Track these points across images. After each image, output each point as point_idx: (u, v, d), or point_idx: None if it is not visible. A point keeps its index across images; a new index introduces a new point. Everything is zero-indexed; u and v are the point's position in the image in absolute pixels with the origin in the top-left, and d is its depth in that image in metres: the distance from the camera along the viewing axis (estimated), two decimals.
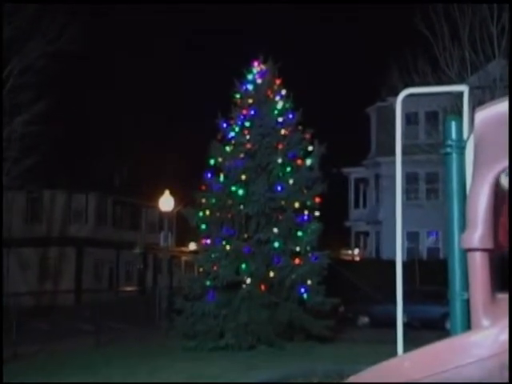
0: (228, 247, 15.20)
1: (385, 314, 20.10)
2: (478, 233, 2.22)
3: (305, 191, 15.90)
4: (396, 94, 3.64)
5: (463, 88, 3.12)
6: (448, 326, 2.88)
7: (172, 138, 50.47)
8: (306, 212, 15.72)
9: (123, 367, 12.23)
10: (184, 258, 49.74)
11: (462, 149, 2.78)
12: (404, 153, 3.68)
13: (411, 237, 31.82)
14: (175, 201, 24.88)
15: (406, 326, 3.18)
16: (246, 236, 15.53)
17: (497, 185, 2.27)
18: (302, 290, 15.14)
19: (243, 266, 15.08)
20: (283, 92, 16.41)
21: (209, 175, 16.02)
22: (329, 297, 15.38)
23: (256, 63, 16.52)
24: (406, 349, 2.53)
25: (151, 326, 20.61)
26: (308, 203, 15.81)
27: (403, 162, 3.52)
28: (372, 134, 36.72)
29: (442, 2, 21.92)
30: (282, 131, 16.09)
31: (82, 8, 23.63)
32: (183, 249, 49.18)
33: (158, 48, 58.24)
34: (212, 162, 16.07)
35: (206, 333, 14.91)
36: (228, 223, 15.66)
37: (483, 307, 2.19)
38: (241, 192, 15.51)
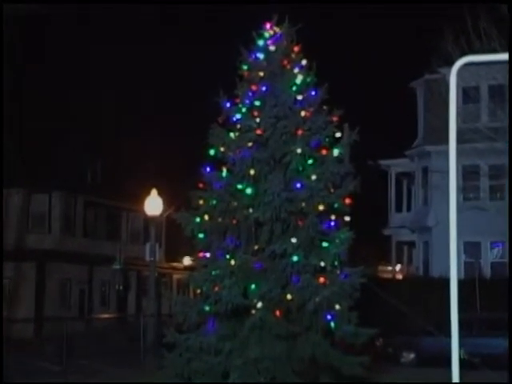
0: (233, 262, 15.23)
1: (435, 349, 20.13)
2: None
3: (331, 190, 15.90)
4: (450, 64, 3.65)
5: None
6: None
7: (160, 123, 50.65)
8: (332, 217, 15.73)
9: None
10: (176, 277, 49.98)
11: None
12: (460, 140, 3.71)
13: (470, 248, 31.78)
14: (164, 203, 25.00)
15: (463, 363, 3.20)
16: (255, 248, 15.56)
17: None
18: (329, 316, 15.15)
19: (252, 286, 15.11)
20: (303, 62, 16.40)
21: (208, 169, 16.05)
22: (363, 326, 15.38)
23: (268, 25, 16.55)
24: None
25: (134, 364, 20.72)
26: (336, 205, 15.81)
27: (459, 152, 3.55)
28: (419, 116, 36.70)
29: None
30: (302, 113, 16.09)
31: None
32: (175, 265, 49.47)
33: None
34: (212, 152, 16.10)
35: (206, 373, 14.96)
36: (233, 231, 15.69)
37: None
38: (249, 191, 15.54)
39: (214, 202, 15.86)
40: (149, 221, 25.89)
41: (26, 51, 34.84)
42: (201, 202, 16.00)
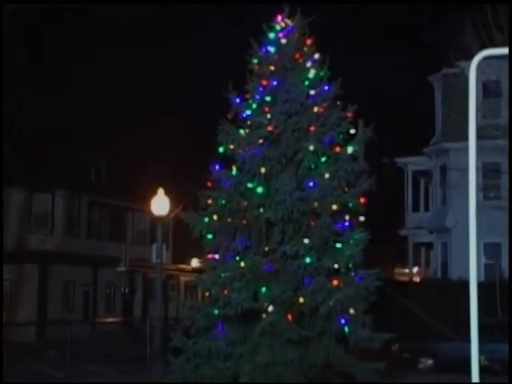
0: (243, 264, 15.25)
1: (454, 355, 20.09)
2: None
3: (345, 189, 15.90)
4: (470, 57, 3.65)
5: None
6: None
7: (167, 120, 50.69)
8: (347, 217, 15.73)
9: None
10: (184, 279, 50.03)
11: None
12: (480, 136, 3.71)
13: (491, 250, 31.65)
14: (172, 202, 25.02)
15: (483, 370, 3.20)
16: (266, 249, 15.57)
17: None
18: (343, 321, 15.15)
19: (263, 289, 15.13)
20: (316, 56, 16.41)
21: (217, 168, 16.07)
22: (378, 331, 15.37)
23: (279, 18, 16.56)
24: None
25: (140, 369, 20.75)
26: (350, 205, 15.81)
27: (479, 149, 3.55)
28: (437, 112, 36.61)
29: None
30: (315, 108, 16.09)
31: None
32: (182, 266, 49.53)
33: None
34: (221, 150, 16.13)
35: (214, 378, 15.00)
36: (243, 232, 15.71)
37: None
38: (260, 190, 15.56)
39: (224, 201, 15.88)
40: (155, 221, 25.92)
41: (27, 49, 35.14)
42: (209, 201, 16.02)
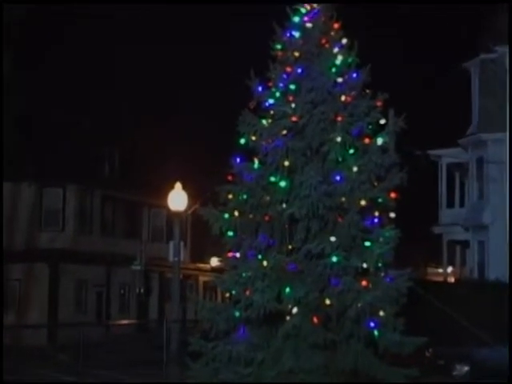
0: (265, 263, 15.27)
1: (492, 361, 20.00)
2: None
3: (375, 183, 15.87)
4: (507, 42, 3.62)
5: None
6: None
7: (184, 110, 50.81)
8: (376, 213, 15.70)
9: None
10: (202, 279, 50.20)
11: None
12: None
13: None
14: (190, 197, 25.08)
15: None
16: (290, 247, 15.59)
17: None
18: (372, 324, 15.13)
19: (287, 289, 15.14)
20: (344, 41, 16.37)
21: (237, 160, 16.09)
22: (410, 335, 15.35)
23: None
24: None
25: (156, 374, 20.84)
26: (380, 200, 15.78)
27: None
28: (473, 100, 36.42)
29: None
30: (343, 97, 16.06)
31: None
32: (201, 266, 49.67)
33: None
34: (242, 141, 16.14)
35: None
36: (265, 229, 15.72)
37: None
38: (283, 184, 15.56)
39: (245, 196, 15.90)
40: (172, 217, 25.97)
41: (41, 40, 35.56)
42: (230, 196, 16.04)
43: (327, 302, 15.11)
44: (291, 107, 16.01)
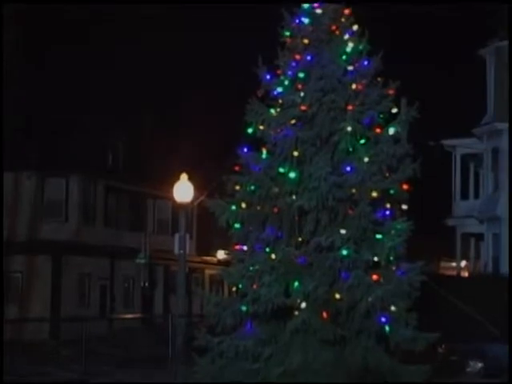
0: (273, 256, 15.29)
1: (506, 358, 20.00)
2: None
3: (386, 174, 15.87)
4: None
5: None
6: None
7: (190, 99, 50.75)
8: (388, 205, 15.70)
9: None
10: (209, 272, 50.23)
11: None
12: None
13: None
14: (196, 188, 25.08)
15: None
16: (299, 240, 15.60)
17: None
18: (383, 319, 15.15)
19: (296, 283, 15.16)
20: (355, 28, 16.35)
21: (245, 150, 16.11)
22: (423, 330, 15.36)
23: None
24: None
25: (161, 370, 20.88)
26: (391, 192, 15.78)
27: None
28: (489, 89, 36.34)
29: None
30: (353, 85, 16.05)
31: None
32: (208, 258, 49.72)
33: None
34: (250, 131, 16.15)
35: (241, 380, 15.05)
36: (273, 221, 15.74)
37: None
38: (292, 175, 15.57)
39: (252, 187, 15.91)
40: (178, 209, 25.97)
41: (45, 34, 35.66)
42: (237, 187, 16.05)
43: (337, 296, 15.13)
44: (300, 96, 16.00)
